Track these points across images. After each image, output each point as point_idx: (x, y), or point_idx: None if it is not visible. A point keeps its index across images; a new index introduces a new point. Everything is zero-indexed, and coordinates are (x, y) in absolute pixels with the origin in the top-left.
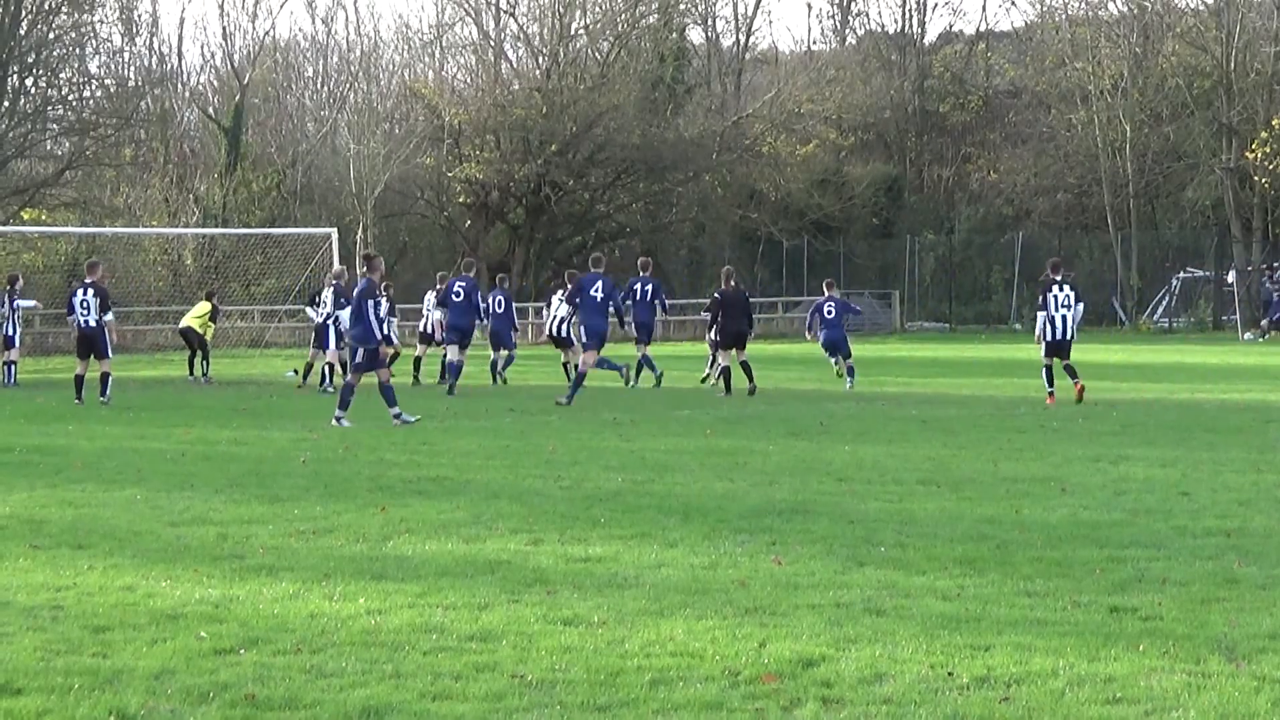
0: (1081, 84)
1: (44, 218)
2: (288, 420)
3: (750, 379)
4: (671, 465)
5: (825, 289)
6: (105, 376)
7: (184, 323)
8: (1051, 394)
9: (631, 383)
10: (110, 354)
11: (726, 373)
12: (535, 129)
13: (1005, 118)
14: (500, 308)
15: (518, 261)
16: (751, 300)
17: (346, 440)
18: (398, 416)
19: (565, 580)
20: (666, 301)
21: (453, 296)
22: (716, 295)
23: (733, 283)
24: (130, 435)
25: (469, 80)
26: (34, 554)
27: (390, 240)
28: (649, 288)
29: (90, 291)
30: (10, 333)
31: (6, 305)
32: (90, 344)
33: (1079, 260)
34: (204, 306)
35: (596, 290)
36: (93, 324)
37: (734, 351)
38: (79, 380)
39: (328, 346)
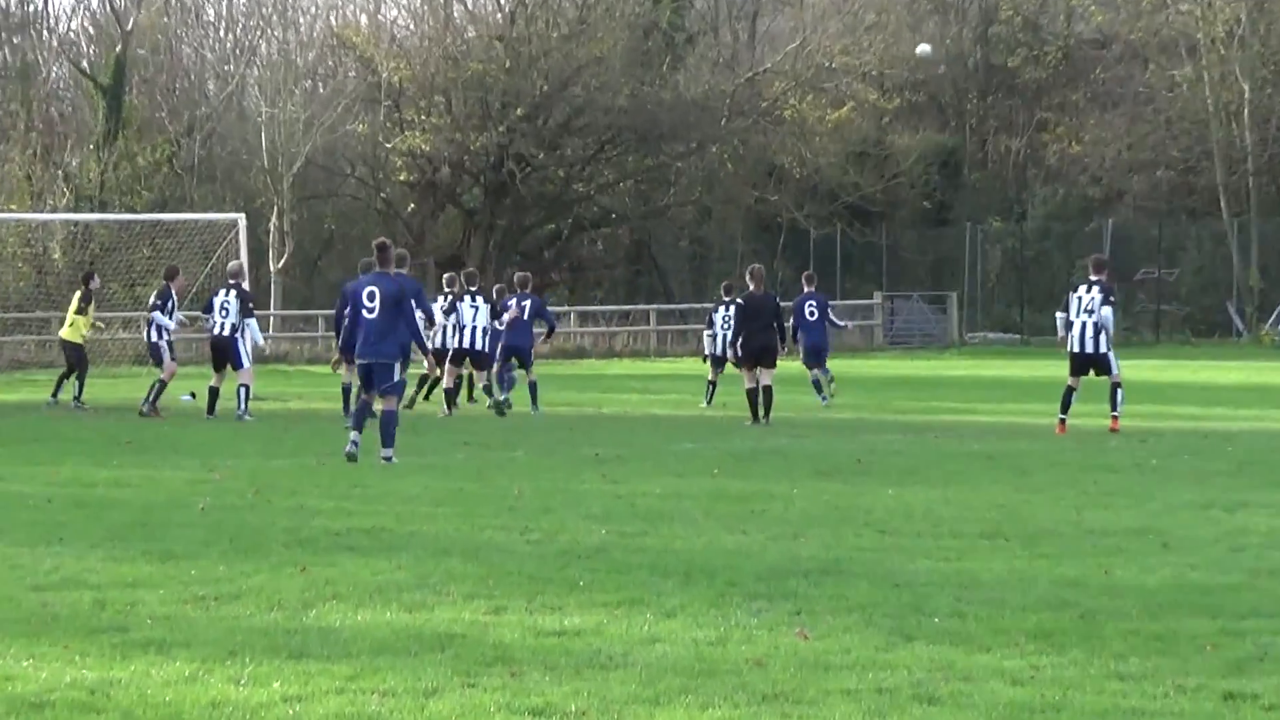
0: (1187, 31)
1: None
2: (184, 456)
3: (767, 410)
4: (669, 514)
5: (805, 284)
6: None
7: (63, 332)
8: (1063, 422)
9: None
10: None
11: (751, 395)
12: (496, 88)
13: (1091, 74)
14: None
15: (473, 256)
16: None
17: (257, 483)
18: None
19: (534, 659)
20: (554, 320)
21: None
22: (739, 301)
23: (761, 286)
24: None
25: (412, 27)
26: None
27: (313, 228)
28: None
29: None
30: None
31: None
32: None
33: (1184, 254)
34: (74, 302)
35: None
36: None
37: (759, 371)
38: None
39: (240, 365)
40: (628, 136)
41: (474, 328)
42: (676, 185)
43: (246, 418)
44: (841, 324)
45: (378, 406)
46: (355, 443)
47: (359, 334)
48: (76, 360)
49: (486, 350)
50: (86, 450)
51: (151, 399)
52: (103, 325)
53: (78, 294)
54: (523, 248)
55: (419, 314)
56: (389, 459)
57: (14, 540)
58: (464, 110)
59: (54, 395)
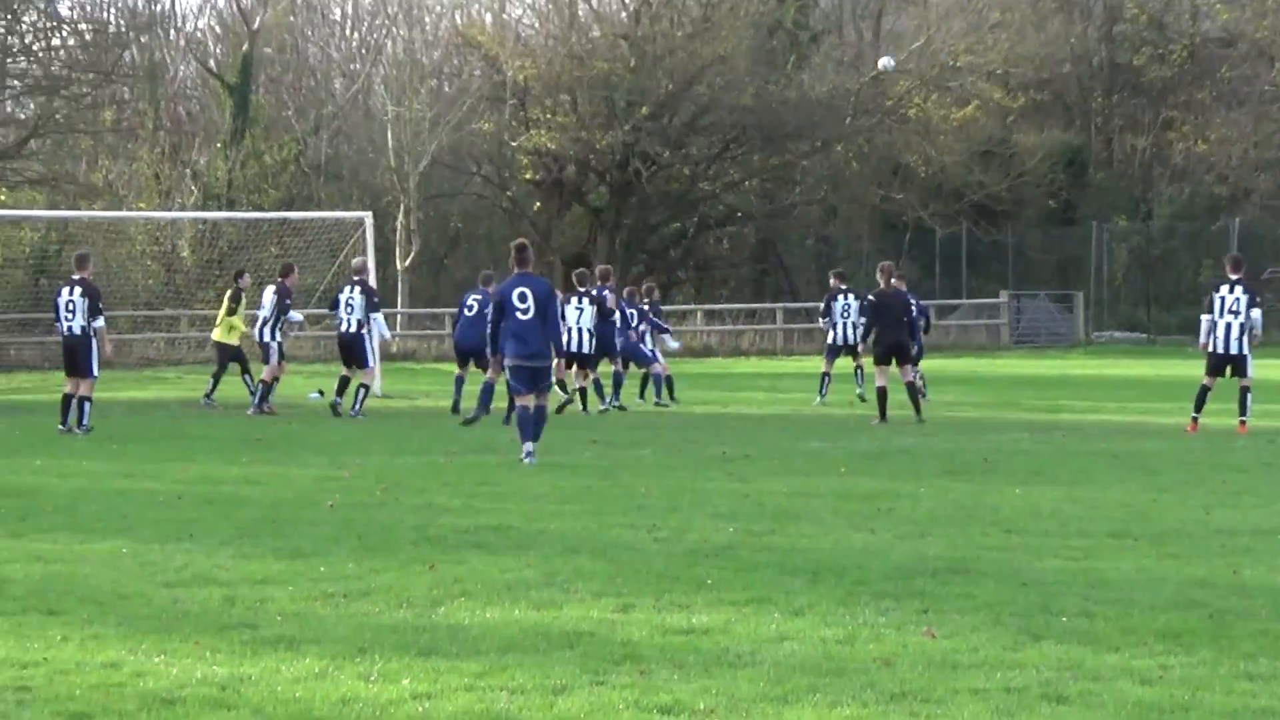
0: None
1: (2, 198)
2: (312, 454)
3: (916, 407)
4: (796, 512)
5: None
6: (84, 403)
7: (215, 333)
8: (1195, 420)
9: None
10: (95, 371)
11: (882, 394)
12: (621, 87)
13: (1216, 73)
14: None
15: (600, 254)
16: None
17: (385, 480)
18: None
19: (662, 657)
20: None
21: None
22: (870, 298)
23: (893, 282)
24: (114, 473)
25: (538, 25)
26: None
27: (439, 227)
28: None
29: (78, 290)
30: None
31: None
32: (75, 356)
33: None
34: (225, 302)
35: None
36: (79, 331)
37: (893, 368)
38: (66, 401)
39: (366, 364)
40: (753, 135)
41: (577, 329)
42: (802, 184)
43: (360, 417)
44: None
45: (518, 402)
46: (530, 453)
47: (512, 336)
48: (228, 359)
49: (591, 352)
50: (216, 448)
51: (258, 399)
52: (235, 322)
53: (229, 293)
54: (649, 246)
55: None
56: (530, 454)
57: (145, 537)
58: (589, 109)
59: (206, 397)
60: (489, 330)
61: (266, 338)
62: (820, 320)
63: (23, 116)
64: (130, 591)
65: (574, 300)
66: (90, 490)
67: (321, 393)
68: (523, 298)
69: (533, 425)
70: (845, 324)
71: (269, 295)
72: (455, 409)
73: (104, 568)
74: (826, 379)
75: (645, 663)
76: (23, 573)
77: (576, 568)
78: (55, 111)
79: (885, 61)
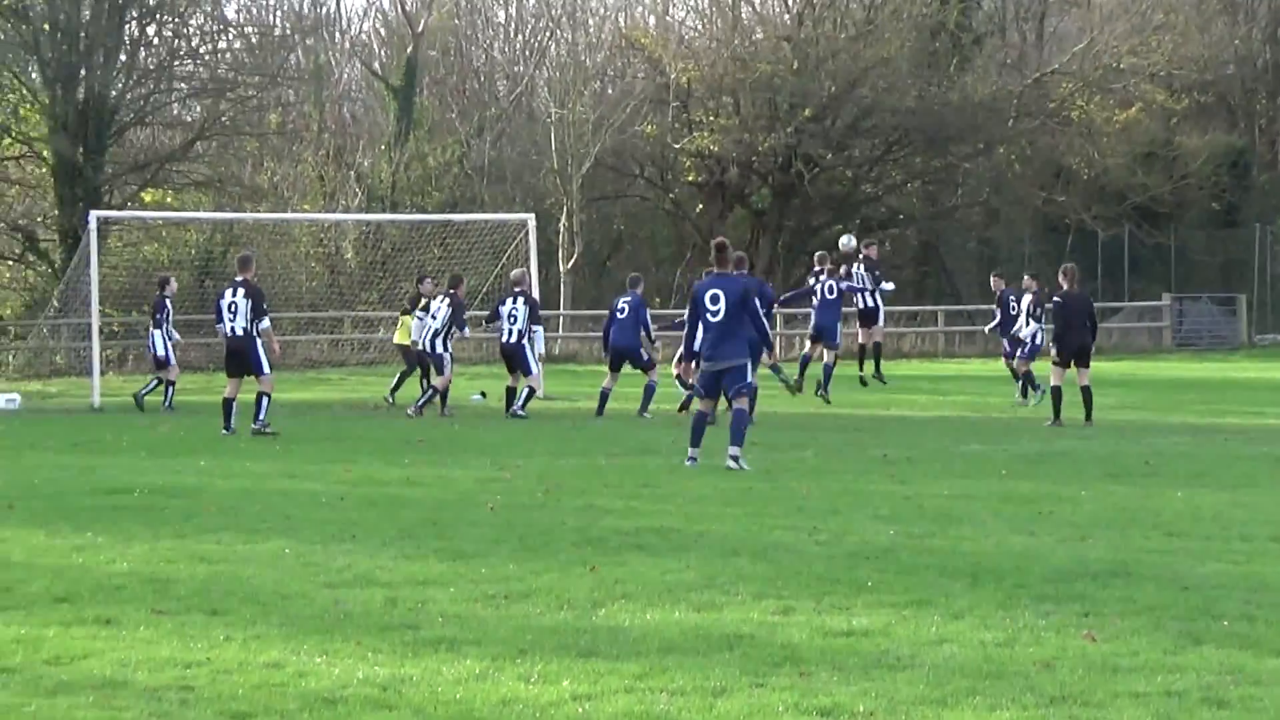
0: None
1: (169, 200)
2: (474, 456)
3: (1088, 410)
4: (957, 515)
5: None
6: (261, 398)
7: (395, 336)
8: None
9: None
10: (267, 369)
11: (1057, 394)
12: (784, 89)
13: None
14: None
15: (762, 256)
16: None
17: (546, 482)
18: (736, 459)
19: (822, 659)
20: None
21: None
22: (1056, 299)
23: (1075, 285)
24: (277, 473)
25: (701, 28)
26: (158, 621)
27: (602, 229)
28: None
29: (240, 292)
30: (163, 350)
31: (161, 314)
32: (240, 358)
33: None
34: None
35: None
36: (241, 333)
37: (1074, 369)
38: (228, 405)
39: (529, 371)
40: (915, 138)
41: None
42: (964, 186)
43: (520, 412)
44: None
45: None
46: (694, 459)
47: (703, 338)
48: (415, 362)
49: None
50: (379, 449)
51: (422, 403)
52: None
53: (408, 296)
54: (810, 248)
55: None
56: (736, 459)
57: (307, 538)
58: (752, 111)
59: (391, 395)
60: (685, 330)
61: (439, 349)
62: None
63: (189, 119)
64: (293, 592)
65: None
66: (254, 491)
67: (484, 394)
68: (715, 299)
69: (732, 429)
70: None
71: (442, 307)
72: (600, 412)
73: (267, 568)
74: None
75: (805, 665)
76: (187, 573)
77: (737, 570)
78: (221, 114)
79: (846, 240)
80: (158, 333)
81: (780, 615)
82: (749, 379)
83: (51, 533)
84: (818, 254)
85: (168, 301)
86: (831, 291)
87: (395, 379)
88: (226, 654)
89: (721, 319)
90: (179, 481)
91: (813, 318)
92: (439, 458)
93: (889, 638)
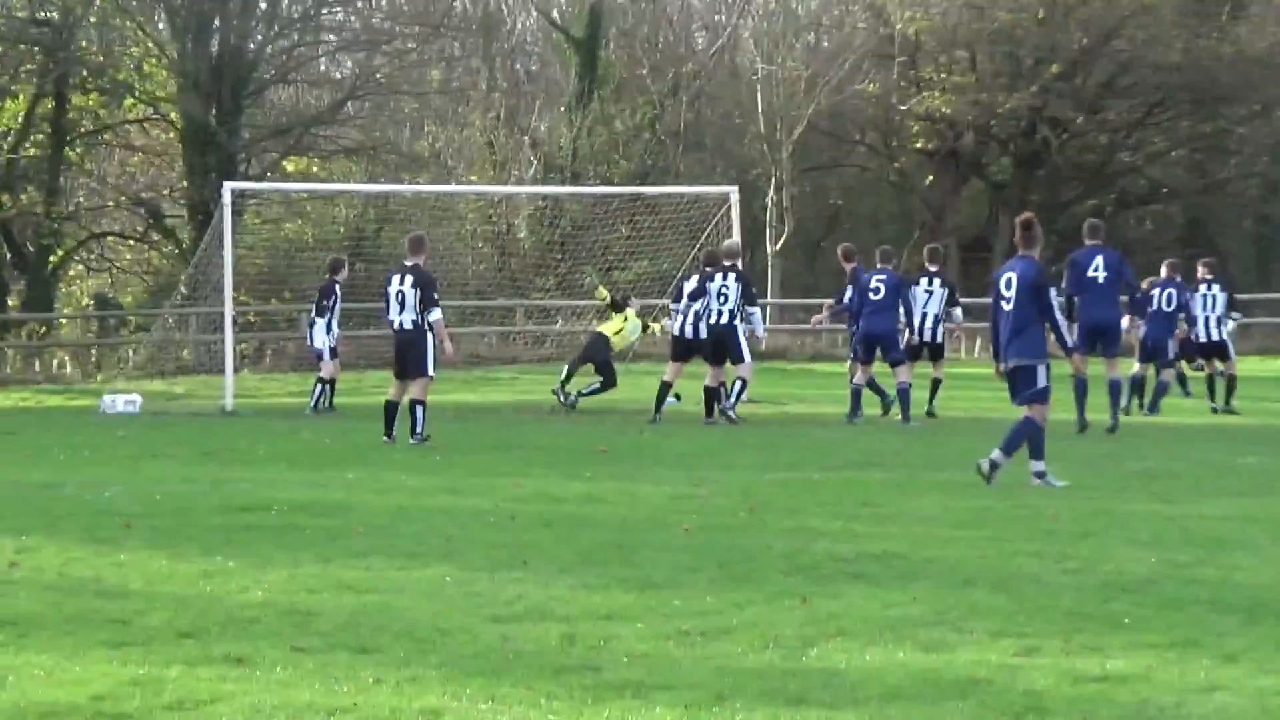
0: None
1: (315, 170)
2: (666, 468)
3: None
4: (1230, 539)
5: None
6: (416, 408)
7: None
8: None
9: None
10: (431, 370)
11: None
12: (1027, 42)
13: None
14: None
15: (1001, 237)
16: None
17: (750, 499)
18: (1041, 475)
19: (1070, 709)
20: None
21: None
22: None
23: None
24: (437, 488)
25: None
26: (298, 659)
27: (816, 204)
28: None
29: (410, 279)
30: (323, 344)
31: (330, 300)
32: (406, 355)
33: None
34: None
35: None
36: (409, 326)
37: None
38: (391, 409)
39: (741, 358)
40: (1181, 98)
41: (923, 314)
42: (1238, 155)
43: (731, 413)
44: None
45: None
46: (996, 464)
47: (1000, 331)
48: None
49: (940, 341)
50: (555, 460)
51: (658, 407)
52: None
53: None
54: (1058, 227)
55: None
56: (1040, 475)
57: (471, 564)
58: (990, 67)
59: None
60: (1053, 321)
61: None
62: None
63: (339, 76)
64: (454, 627)
65: (924, 281)
66: (409, 509)
67: (678, 397)
68: (1009, 284)
69: (1029, 440)
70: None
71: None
72: (854, 414)
73: (424, 599)
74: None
75: (1051, 715)
76: (331, 604)
77: (972, 603)
78: (375, 70)
79: (730, 243)
80: (320, 323)
81: (1022, 657)
82: (1040, 383)
83: (175, 556)
84: (1166, 262)
85: (338, 288)
86: (1170, 303)
87: (564, 372)
88: (377, 699)
89: (1012, 307)
90: (323, 497)
91: (1143, 329)
92: (625, 470)
93: (1149, 684)
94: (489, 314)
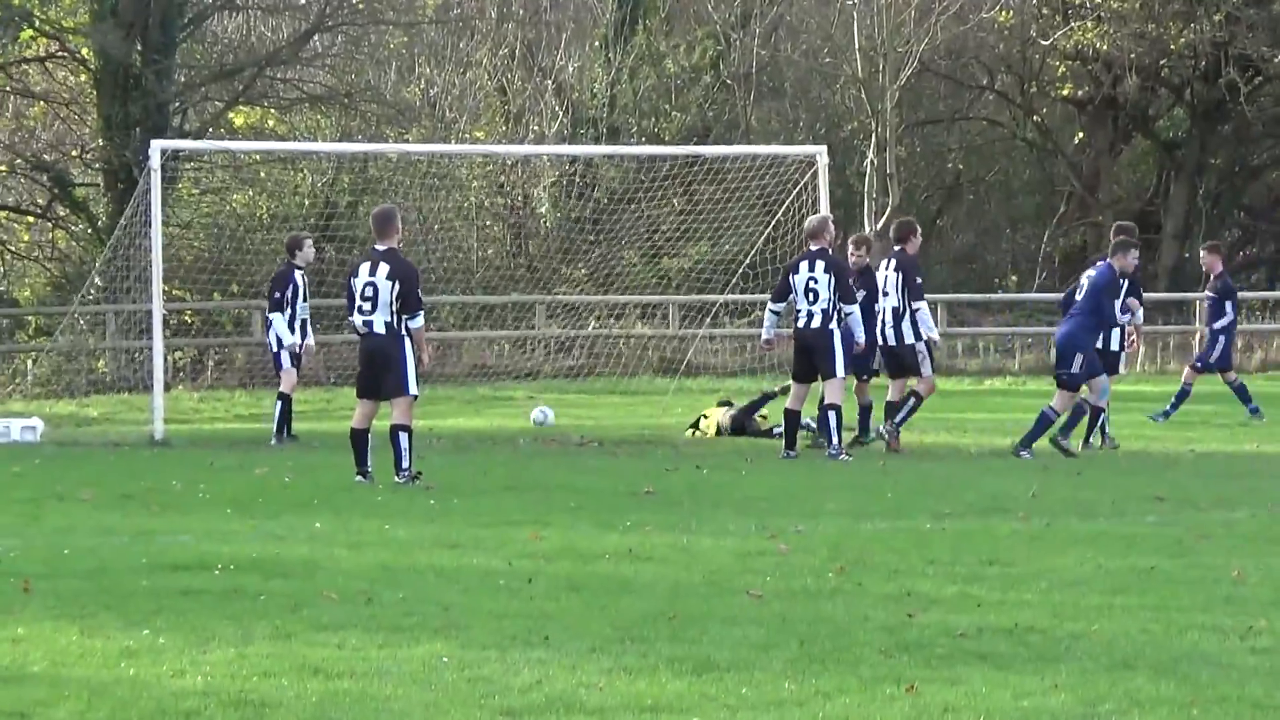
0: None
1: (272, 124)
2: (731, 514)
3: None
4: None
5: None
6: (399, 436)
7: None
8: None
9: None
10: (412, 387)
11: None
12: None
13: None
14: None
15: (1174, 210)
16: None
17: (841, 556)
18: None
19: None
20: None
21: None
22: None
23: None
24: (431, 540)
25: None
26: None
27: (930, 169)
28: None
29: (383, 269)
30: (278, 347)
31: (287, 290)
32: (377, 368)
33: None
34: None
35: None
36: (382, 329)
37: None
38: (359, 439)
39: (833, 371)
40: None
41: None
42: None
43: (843, 456)
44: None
45: None
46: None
47: None
48: None
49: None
50: (585, 505)
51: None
52: None
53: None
54: (1248, 199)
55: None
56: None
57: (476, 640)
58: None
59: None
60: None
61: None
62: None
63: (302, 1)
64: None
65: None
66: (394, 568)
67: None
68: None
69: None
70: None
71: (890, 273)
72: (1061, 444)
73: (414, 685)
74: None
75: None
76: (292, 692)
77: (1132, 692)
78: None
79: (538, 414)
80: (279, 320)
81: None
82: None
83: (89, 630)
84: None
85: (299, 275)
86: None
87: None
88: None
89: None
90: (282, 553)
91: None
92: (678, 517)
93: None
94: (500, 313)
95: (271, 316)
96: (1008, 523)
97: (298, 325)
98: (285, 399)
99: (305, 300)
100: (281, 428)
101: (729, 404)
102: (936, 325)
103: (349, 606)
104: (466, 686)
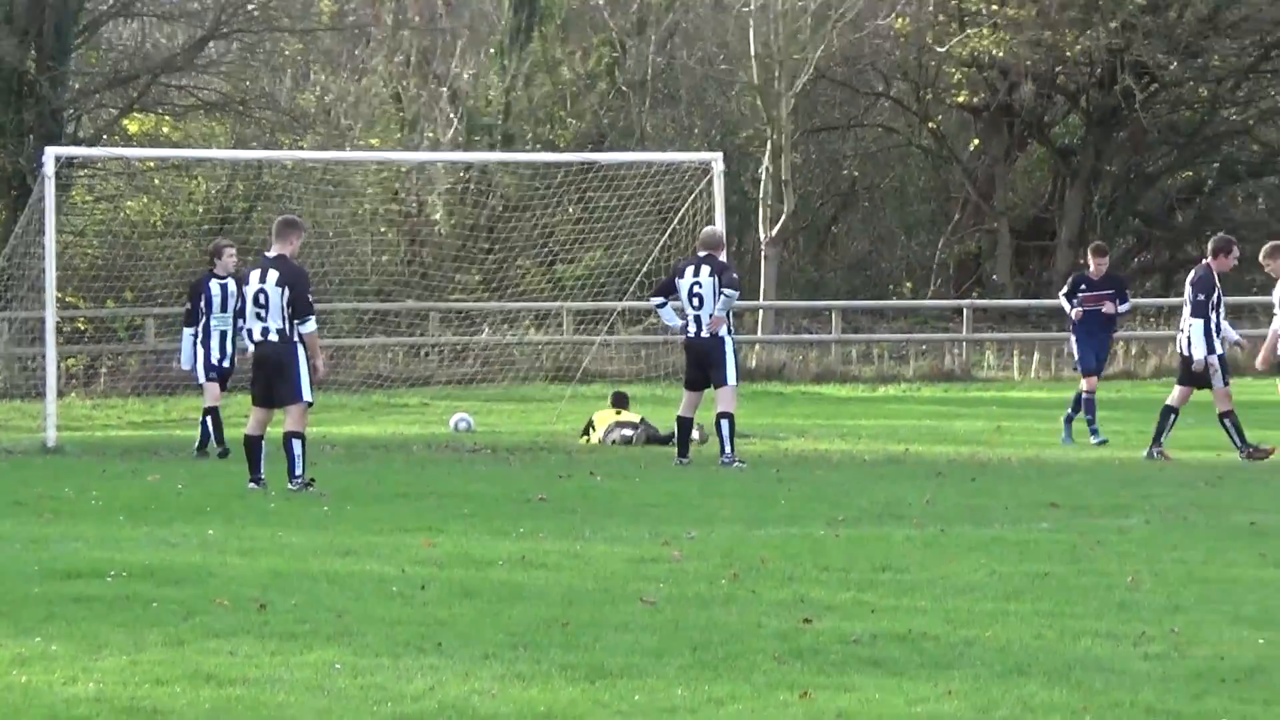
0: None
1: (166, 130)
2: (624, 521)
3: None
4: None
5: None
6: (292, 443)
7: None
8: None
9: None
10: (306, 394)
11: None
12: None
13: None
14: None
15: (1069, 216)
16: None
17: (735, 563)
18: None
19: None
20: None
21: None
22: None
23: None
24: (325, 548)
25: None
26: None
27: (824, 176)
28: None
29: (274, 276)
30: (199, 359)
31: (201, 301)
32: (271, 375)
33: None
34: None
35: None
36: (275, 337)
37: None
38: (252, 445)
39: (725, 380)
40: None
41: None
42: None
43: (737, 464)
44: None
45: None
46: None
47: None
48: None
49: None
50: (479, 512)
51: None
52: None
53: None
54: (1143, 206)
55: None
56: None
57: (369, 647)
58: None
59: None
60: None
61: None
62: None
63: (197, 6)
64: None
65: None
66: (287, 575)
67: (701, 429)
68: None
69: None
70: None
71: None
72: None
73: (306, 693)
74: None
75: None
76: (185, 699)
77: (1025, 698)
78: (245, 1)
79: (459, 420)
80: (186, 337)
81: None
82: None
83: None
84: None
85: (214, 284)
86: None
87: None
88: None
89: None
90: (175, 560)
91: None
92: (571, 525)
93: None
94: (393, 320)
95: (184, 331)
96: (902, 529)
97: (215, 336)
98: (212, 412)
99: (224, 310)
100: (207, 439)
101: (624, 399)
102: (832, 332)
103: (241, 614)
104: (359, 693)
